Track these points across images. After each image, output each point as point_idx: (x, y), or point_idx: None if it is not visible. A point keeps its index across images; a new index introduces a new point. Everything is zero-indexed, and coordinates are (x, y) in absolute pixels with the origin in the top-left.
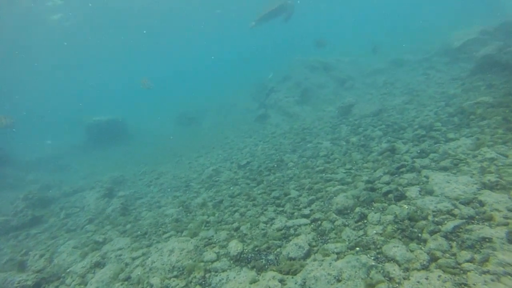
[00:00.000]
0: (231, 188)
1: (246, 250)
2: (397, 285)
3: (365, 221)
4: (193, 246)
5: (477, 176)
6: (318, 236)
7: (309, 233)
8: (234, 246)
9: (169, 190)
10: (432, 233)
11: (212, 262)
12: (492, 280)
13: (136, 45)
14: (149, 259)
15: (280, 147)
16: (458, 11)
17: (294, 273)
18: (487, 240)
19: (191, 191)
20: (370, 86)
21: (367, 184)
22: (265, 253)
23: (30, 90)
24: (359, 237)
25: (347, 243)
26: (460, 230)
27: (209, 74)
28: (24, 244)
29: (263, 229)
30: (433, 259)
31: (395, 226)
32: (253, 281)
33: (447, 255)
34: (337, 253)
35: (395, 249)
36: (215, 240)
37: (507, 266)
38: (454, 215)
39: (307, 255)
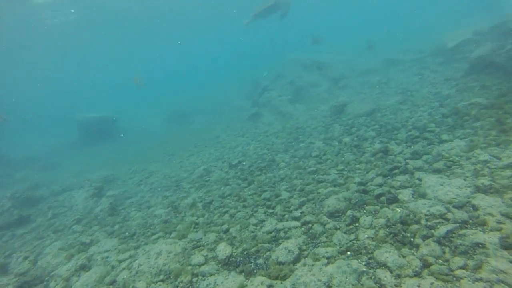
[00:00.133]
0: (222, 188)
1: (235, 254)
2: None
3: (357, 224)
4: (181, 248)
5: (470, 179)
6: (309, 239)
7: (299, 237)
8: (223, 249)
9: (159, 189)
10: (424, 238)
11: (200, 265)
12: None
13: (130, 43)
14: (136, 262)
15: (272, 147)
16: (459, 12)
17: (283, 278)
18: (480, 245)
19: (181, 191)
20: (364, 85)
21: (359, 186)
22: (254, 256)
23: (23, 88)
24: (350, 241)
25: (338, 247)
26: (453, 235)
27: (203, 72)
28: (8, 245)
29: (252, 232)
30: (426, 265)
31: (387, 230)
32: (241, 286)
33: (440, 261)
34: (328, 258)
35: (387, 254)
36: (203, 242)
37: (500, 273)
38: (447, 219)
39: (297, 260)
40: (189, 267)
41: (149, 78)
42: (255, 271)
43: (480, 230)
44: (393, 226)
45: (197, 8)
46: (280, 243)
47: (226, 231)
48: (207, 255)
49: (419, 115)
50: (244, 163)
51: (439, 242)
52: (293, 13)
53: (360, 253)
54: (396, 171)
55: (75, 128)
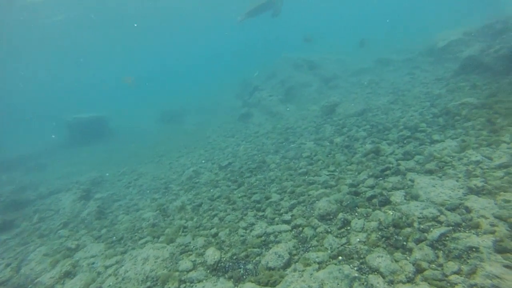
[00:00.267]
0: (211, 190)
1: (224, 259)
2: None
3: (348, 227)
4: (169, 253)
5: (462, 180)
6: (299, 243)
7: (289, 241)
8: (212, 254)
9: (148, 192)
10: (417, 241)
11: (188, 271)
12: None
13: (122, 43)
14: (123, 268)
15: (263, 148)
16: (459, 12)
17: (273, 284)
18: (474, 249)
19: (170, 193)
20: (355, 85)
21: (350, 187)
22: (243, 262)
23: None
24: (341, 245)
25: (329, 251)
26: (447, 238)
27: (197, 71)
28: None
29: (242, 236)
30: (419, 270)
31: (380, 233)
32: None
33: (434, 265)
34: (319, 263)
35: (379, 259)
36: (192, 247)
37: (495, 279)
38: (440, 222)
39: (287, 265)
40: (177, 273)
41: (143, 78)
42: (244, 277)
43: (473, 233)
44: (385, 229)
45: (191, 6)
46: (270, 248)
47: (215, 235)
48: (195, 260)
49: (410, 115)
50: (234, 164)
51: (432, 246)
52: (293, 13)
53: (352, 258)
54: (388, 172)
55: (65, 128)
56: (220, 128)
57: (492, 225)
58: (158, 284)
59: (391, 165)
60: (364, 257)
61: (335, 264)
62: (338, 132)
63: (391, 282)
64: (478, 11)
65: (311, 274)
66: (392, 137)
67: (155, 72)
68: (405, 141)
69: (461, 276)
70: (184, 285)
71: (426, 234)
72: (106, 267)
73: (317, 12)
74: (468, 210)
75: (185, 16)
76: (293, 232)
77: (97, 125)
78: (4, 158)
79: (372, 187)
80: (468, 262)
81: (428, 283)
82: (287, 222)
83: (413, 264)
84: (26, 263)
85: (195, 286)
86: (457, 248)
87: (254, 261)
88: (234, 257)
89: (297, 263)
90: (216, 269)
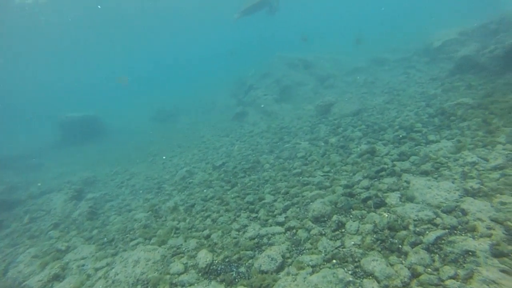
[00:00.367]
0: (205, 190)
1: (216, 261)
2: None
3: (343, 230)
4: (160, 256)
5: (458, 182)
6: (293, 246)
7: (283, 243)
8: (204, 257)
9: (141, 192)
10: (413, 245)
11: (179, 274)
12: None
13: (116, 42)
14: (113, 270)
15: (257, 147)
16: (459, 11)
17: None
18: (470, 253)
19: (163, 193)
20: (350, 84)
21: (345, 189)
22: (236, 264)
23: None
24: (336, 248)
25: (323, 254)
26: (443, 241)
27: (190, 70)
28: None
29: (235, 238)
30: (415, 275)
31: (374, 236)
32: None
33: (429, 270)
34: (313, 266)
35: (374, 263)
36: (183, 249)
37: (492, 284)
38: (436, 225)
39: (280, 268)
40: (168, 276)
41: (137, 76)
42: (236, 280)
43: (469, 237)
44: (380, 232)
45: (187, 5)
46: (263, 250)
47: (207, 237)
48: (187, 263)
49: (405, 114)
50: (228, 164)
51: (428, 249)
52: (293, 12)
53: (346, 261)
54: (383, 173)
55: (58, 127)
56: (215, 127)
57: (489, 228)
58: (149, 287)
59: (386, 166)
60: (359, 261)
61: (329, 267)
62: (333, 132)
63: (386, 287)
64: (478, 11)
65: (304, 278)
66: (388, 137)
67: (150, 71)
68: (400, 142)
69: (457, 281)
70: None
71: (421, 237)
72: (96, 270)
73: (317, 12)
74: (464, 212)
75: (180, 14)
76: (287, 234)
77: (90, 124)
78: None
79: (367, 188)
80: (464, 267)
81: None
82: (280, 224)
83: (409, 268)
84: (15, 265)
85: None
86: (453, 252)
87: (246, 264)
88: (227, 260)
89: (290, 267)
90: (208, 272)
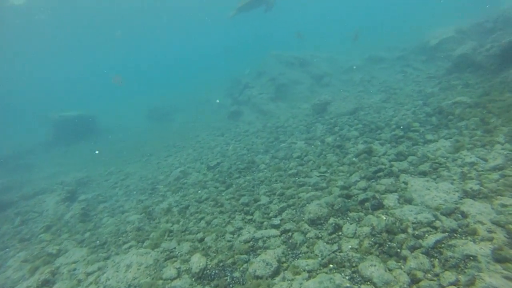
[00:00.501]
0: (199, 191)
1: (210, 266)
2: None
3: (340, 233)
4: (153, 260)
5: (457, 183)
6: (289, 250)
7: (278, 247)
8: (197, 261)
9: (134, 192)
10: (412, 249)
11: (172, 279)
12: None
13: (111, 39)
14: (104, 275)
15: (252, 147)
16: (459, 10)
17: None
18: (471, 258)
19: (157, 194)
20: (347, 83)
21: (342, 190)
22: (230, 269)
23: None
24: (333, 252)
25: (319, 259)
26: (442, 245)
27: (186, 68)
28: None
29: (229, 241)
30: (414, 281)
31: (372, 239)
32: None
33: (429, 275)
34: (309, 271)
35: (372, 268)
36: (177, 253)
37: None
38: (435, 228)
39: (275, 273)
40: (160, 282)
41: (133, 74)
42: (230, 285)
43: (470, 240)
44: (378, 235)
45: (182, 2)
46: (258, 254)
47: (201, 240)
48: (180, 268)
49: (403, 113)
50: (222, 164)
51: (427, 253)
52: (293, 12)
53: (344, 266)
54: (381, 173)
55: (51, 126)
56: (210, 126)
57: (490, 231)
58: None
59: (383, 166)
60: (356, 266)
61: (326, 272)
62: (330, 131)
63: None
64: (477, 8)
65: (300, 284)
66: (385, 136)
67: (145, 69)
68: (398, 141)
69: None
70: None
71: (421, 241)
72: (88, 275)
73: (313, 11)
74: (464, 215)
75: (176, 12)
76: (282, 237)
77: (84, 123)
78: None
79: (364, 189)
80: (465, 272)
81: None
82: (276, 226)
83: (408, 274)
84: (3, 270)
85: None
86: (454, 257)
87: (241, 268)
88: (221, 264)
89: (286, 272)
90: (202, 277)
